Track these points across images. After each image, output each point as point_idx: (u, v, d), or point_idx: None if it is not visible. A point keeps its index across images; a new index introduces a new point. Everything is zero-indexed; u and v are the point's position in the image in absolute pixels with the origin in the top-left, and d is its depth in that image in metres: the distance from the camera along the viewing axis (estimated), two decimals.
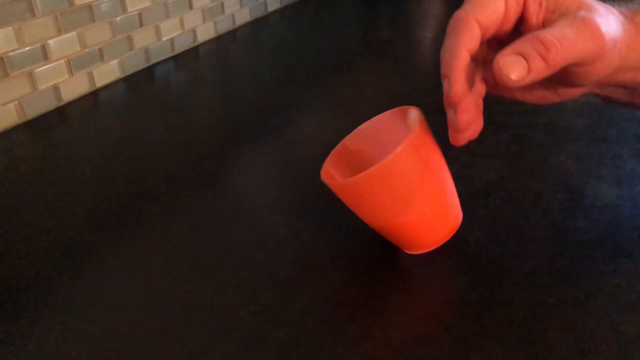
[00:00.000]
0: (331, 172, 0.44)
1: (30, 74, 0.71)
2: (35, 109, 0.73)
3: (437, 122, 0.69)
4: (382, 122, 0.48)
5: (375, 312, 0.41)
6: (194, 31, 0.98)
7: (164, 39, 0.92)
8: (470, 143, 0.64)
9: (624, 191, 0.55)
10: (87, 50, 0.78)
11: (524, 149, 0.63)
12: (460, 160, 0.61)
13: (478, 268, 0.46)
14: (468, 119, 0.41)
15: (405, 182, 0.41)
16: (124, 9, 0.83)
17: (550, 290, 0.43)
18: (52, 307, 0.42)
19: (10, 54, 0.68)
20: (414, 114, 0.45)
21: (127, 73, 0.86)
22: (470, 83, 0.40)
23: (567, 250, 0.47)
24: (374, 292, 0.43)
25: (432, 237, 0.44)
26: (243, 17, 1.11)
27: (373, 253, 0.47)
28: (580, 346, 0.38)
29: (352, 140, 0.48)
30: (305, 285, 0.44)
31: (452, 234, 0.44)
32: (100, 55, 0.81)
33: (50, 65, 0.74)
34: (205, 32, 1.01)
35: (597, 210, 0.52)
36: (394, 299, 0.43)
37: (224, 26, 1.06)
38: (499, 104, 0.74)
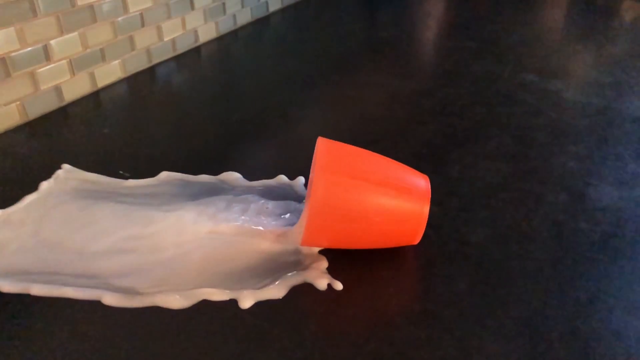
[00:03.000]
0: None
1: (32, 74, 0.71)
2: (37, 109, 0.73)
3: (437, 123, 0.70)
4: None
5: (377, 314, 0.41)
6: (195, 31, 0.98)
7: (165, 39, 0.92)
8: (473, 144, 0.64)
9: (626, 192, 0.55)
10: (88, 50, 0.78)
11: (526, 150, 0.63)
12: (462, 162, 0.61)
13: (480, 269, 0.46)
14: None
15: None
16: (125, 9, 0.83)
17: (552, 292, 0.43)
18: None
19: (13, 54, 0.68)
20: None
21: (129, 73, 0.86)
22: None
23: (570, 251, 0.47)
24: (376, 293, 0.43)
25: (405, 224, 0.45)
26: (244, 17, 1.11)
27: (375, 254, 0.47)
28: (583, 348, 0.38)
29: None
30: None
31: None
32: (102, 56, 0.81)
33: (52, 65, 0.74)
34: (207, 33, 1.01)
35: (599, 212, 0.52)
36: (397, 301, 0.43)
37: (226, 26, 1.06)
38: (501, 106, 0.75)
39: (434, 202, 0.54)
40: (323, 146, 0.44)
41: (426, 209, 0.44)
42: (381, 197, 0.43)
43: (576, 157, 0.62)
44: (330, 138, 0.67)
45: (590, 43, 0.98)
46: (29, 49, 0.70)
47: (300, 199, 0.54)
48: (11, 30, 0.67)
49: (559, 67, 0.87)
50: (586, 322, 0.40)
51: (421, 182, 0.45)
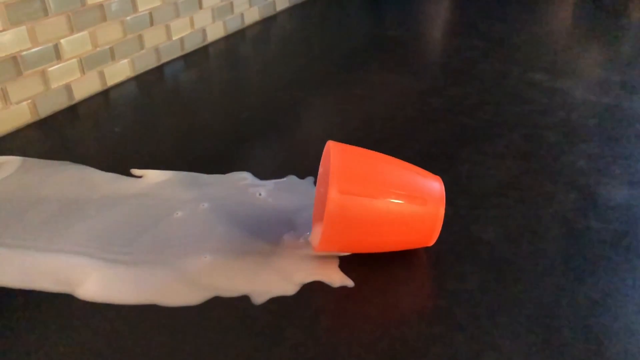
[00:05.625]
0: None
1: (43, 73, 0.72)
2: (47, 108, 0.73)
3: (446, 122, 0.70)
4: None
5: (390, 311, 0.42)
6: (203, 30, 0.99)
7: (174, 38, 0.92)
8: (482, 143, 0.64)
9: (637, 191, 0.55)
10: (98, 49, 0.79)
11: (536, 149, 0.63)
12: (471, 160, 0.61)
13: (491, 267, 0.46)
14: None
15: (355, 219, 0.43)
16: (134, 8, 0.83)
17: (564, 290, 0.43)
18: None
19: (24, 53, 0.69)
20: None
21: (138, 72, 0.87)
22: None
23: (581, 250, 0.47)
24: (388, 291, 0.43)
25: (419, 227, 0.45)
26: (252, 16, 1.11)
27: (386, 252, 0.47)
28: (595, 346, 0.38)
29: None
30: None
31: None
32: (112, 54, 0.81)
33: (63, 64, 0.74)
34: (215, 31, 1.02)
35: (610, 211, 0.52)
36: (409, 298, 0.43)
37: (233, 25, 1.06)
38: (510, 104, 0.75)
39: (445, 202, 0.54)
40: (335, 153, 0.44)
41: (441, 213, 0.44)
42: (396, 208, 0.43)
43: (586, 156, 0.62)
44: (338, 137, 0.67)
45: (599, 42, 0.98)
46: (40, 47, 0.70)
47: (310, 199, 0.55)
48: (22, 29, 0.68)
49: (567, 66, 0.87)
50: (599, 320, 0.40)
51: (435, 186, 0.45)
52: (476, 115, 0.71)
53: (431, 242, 0.46)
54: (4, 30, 0.66)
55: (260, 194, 0.55)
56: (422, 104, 0.75)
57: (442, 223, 0.44)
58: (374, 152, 0.47)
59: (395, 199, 0.43)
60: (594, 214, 0.52)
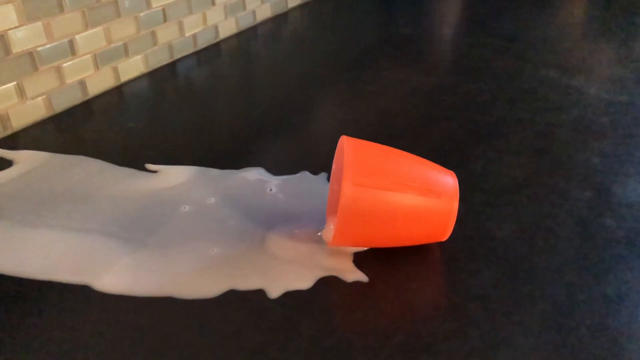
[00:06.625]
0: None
1: (58, 69, 0.72)
2: (62, 103, 0.74)
3: (459, 119, 0.70)
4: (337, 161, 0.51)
5: (404, 306, 0.42)
6: (216, 27, 0.99)
7: (186, 35, 0.93)
8: (496, 140, 0.64)
9: None
10: (112, 45, 0.79)
11: (550, 146, 0.63)
12: (485, 157, 0.61)
13: (505, 264, 0.46)
14: None
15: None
16: (148, 4, 0.84)
17: (579, 288, 0.43)
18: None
19: (40, 48, 0.69)
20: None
21: (151, 68, 0.87)
22: None
23: (596, 248, 0.47)
24: (402, 286, 0.44)
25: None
26: (264, 13, 1.11)
27: (400, 248, 0.47)
28: (611, 344, 0.38)
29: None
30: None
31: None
32: (125, 50, 0.82)
33: (77, 59, 0.75)
34: (227, 28, 1.02)
35: (624, 209, 0.52)
36: (423, 294, 0.43)
37: (245, 22, 1.06)
38: (523, 102, 0.74)
39: (459, 197, 0.54)
40: (349, 147, 0.44)
41: (455, 207, 0.44)
42: (410, 201, 0.43)
43: (600, 153, 0.61)
44: (351, 133, 0.67)
45: (612, 39, 0.97)
46: (55, 43, 0.71)
47: (323, 195, 0.55)
48: (38, 25, 0.68)
49: (581, 63, 0.87)
50: (615, 319, 0.40)
51: (449, 180, 0.45)
52: (489, 113, 0.71)
53: (445, 237, 0.46)
54: (20, 25, 0.66)
55: (271, 190, 0.55)
56: (435, 101, 0.75)
57: (455, 217, 0.44)
58: (387, 146, 0.47)
59: (409, 192, 0.43)
60: (608, 211, 0.52)
